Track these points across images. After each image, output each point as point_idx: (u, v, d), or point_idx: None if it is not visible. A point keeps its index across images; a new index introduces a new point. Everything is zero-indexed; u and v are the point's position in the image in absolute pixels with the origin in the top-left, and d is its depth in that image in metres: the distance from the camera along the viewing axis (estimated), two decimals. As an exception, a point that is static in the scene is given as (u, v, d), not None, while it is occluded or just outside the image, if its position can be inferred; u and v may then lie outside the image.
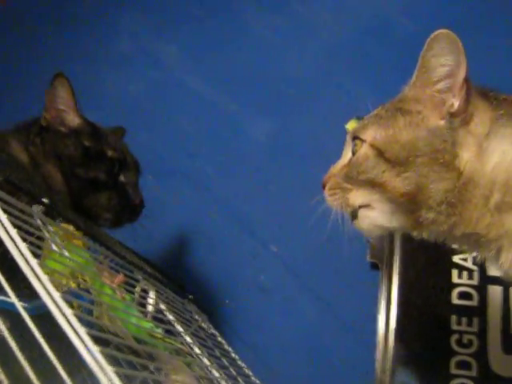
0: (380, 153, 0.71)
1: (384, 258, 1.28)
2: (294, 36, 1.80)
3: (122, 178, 1.13)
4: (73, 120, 1.11)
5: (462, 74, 0.68)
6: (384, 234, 0.78)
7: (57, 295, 0.57)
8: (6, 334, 0.54)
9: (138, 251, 1.14)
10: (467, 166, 0.67)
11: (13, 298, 0.56)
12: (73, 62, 1.88)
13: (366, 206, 0.74)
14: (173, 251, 1.56)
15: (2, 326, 0.55)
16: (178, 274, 1.40)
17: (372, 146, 0.72)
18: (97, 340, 0.56)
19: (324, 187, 0.81)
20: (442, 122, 0.69)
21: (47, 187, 1.01)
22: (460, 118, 0.69)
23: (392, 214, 0.72)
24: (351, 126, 1.47)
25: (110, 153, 1.12)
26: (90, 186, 1.07)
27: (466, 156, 0.68)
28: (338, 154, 0.88)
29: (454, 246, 0.80)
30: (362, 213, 0.75)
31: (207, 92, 1.78)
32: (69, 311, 0.56)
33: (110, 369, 0.53)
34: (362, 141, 0.74)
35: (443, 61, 0.69)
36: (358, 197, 0.74)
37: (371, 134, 0.73)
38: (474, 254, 0.75)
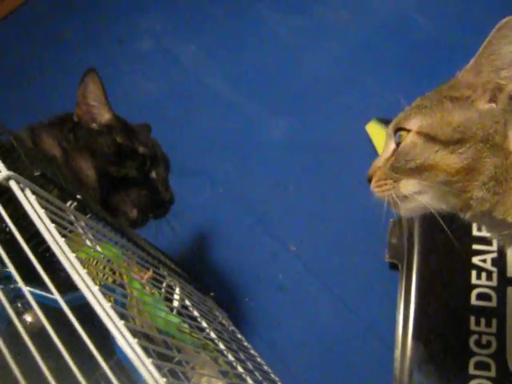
0: (430, 138, 0.73)
1: (403, 258, 1.29)
2: (313, 36, 1.81)
3: (153, 174, 1.15)
4: (104, 116, 1.12)
5: None
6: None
7: (96, 289, 0.59)
8: (49, 328, 0.55)
9: (160, 248, 1.16)
10: None
11: (55, 294, 0.58)
12: (94, 62, 1.89)
13: (418, 192, 0.76)
14: (193, 249, 1.57)
15: (44, 319, 0.56)
16: (198, 272, 1.41)
17: (419, 133, 0.75)
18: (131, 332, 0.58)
19: (369, 181, 0.83)
20: (494, 105, 0.72)
21: (78, 182, 1.03)
22: None
23: (443, 196, 0.75)
24: (371, 127, 1.48)
25: (141, 149, 1.13)
26: (121, 183, 1.09)
27: None
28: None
29: (491, 235, 0.82)
30: (412, 197, 0.76)
31: (226, 91, 1.80)
32: (107, 304, 0.57)
33: (148, 361, 0.54)
34: (407, 131, 0.76)
35: None
36: (409, 185, 0.76)
37: (416, 123, 0.76)
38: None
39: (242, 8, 1.96)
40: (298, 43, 1.82)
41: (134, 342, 0.56)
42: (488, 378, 1.13)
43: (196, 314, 0.99)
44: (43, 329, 0.57)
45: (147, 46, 1.99)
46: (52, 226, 0.64)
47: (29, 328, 0.73)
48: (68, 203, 0.79)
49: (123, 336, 0.55)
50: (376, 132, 1.45)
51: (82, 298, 0.59)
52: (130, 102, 1.86)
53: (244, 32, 1.91)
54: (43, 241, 0.64)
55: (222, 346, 0.95)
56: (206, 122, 1.78)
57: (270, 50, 1.84)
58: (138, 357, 0.55)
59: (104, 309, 0.57)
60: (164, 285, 0.95)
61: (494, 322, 1.18)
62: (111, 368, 0.83)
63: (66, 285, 0.64)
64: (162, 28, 2.01)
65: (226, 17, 1.95)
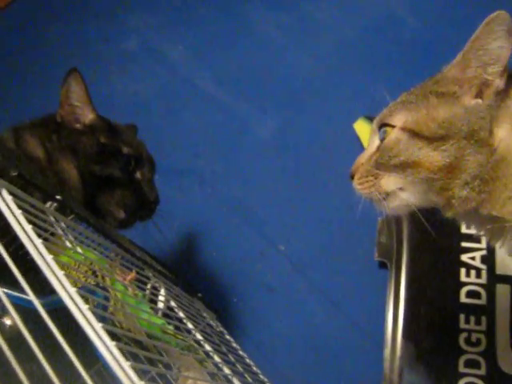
0: (414, 133, 0.72)
1: (392, 256, 1.28)
2: (302, 34, 1.81)
3: (137, 175, 1.14)
4: (87, 116, 1.11)
5: (509, 54, 0.69)
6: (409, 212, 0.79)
7: (73, 291, 0.57)
8: (24, 330, 0.54)
9: (147, 249, 1.15)
10: (501, 143, 0.69)
11: (31, 296, 0.57)
12: (80, 61, 1.88)
13: (399, 188, 0.75)
14: (181, 249, 1.56)
15: (20, 322, 0.55)
16: (186, 272, 1.40)
17: (404, 129, 0.74)
18: (111, 335, 0.57)
19: (352, 177, 0.82)
20: (480, 101, 0.71)
21: (61, 183, 1.01)
22: (500, 97, 0.71)
23: (424, 193, 0.74)
24: (359, 125, 1.47)
25: (125, 149, 1.12)
26: (106, 183, 1.07)
27: (501, 133, 0.69)
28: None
29: (476, 232, 0.81)
30: (394, 195, 0.76)
31: (214, 91, 1.79)
32: (85, 306, 0.56)
33: (126, 364, 0.53)
34: (392, 126, 0.76)
35: (501, 43, 0.69)
36: (390, 182, 0.75)
37: (401, 119, 0.75)
38: (499, 243, 0.76)
39: (230, 7, 1.95)
40: (286, 42, 1.82)
41: (111, 344, 0.54)
42: (478, 376, 1.13)
43: (181, 315, 0.98)
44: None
45: (134, 45, 1.98)
46: (29, 227, 0.63)
47: (8, 331, 0.72)
48: (48, 204, 0.78)
49: (100, 338, 0.54)
50: (364, 130, 1.45)
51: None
52: (118, 101, 1.85)
53: (232, 31, 1.90)
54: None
55: (208, 348, 0.94)
56: (194, 121, 1.77)
57: (258, 48, 1.83)
58: (116, 360, 0.53)
59: (81, 311, 0.56)
60: (149, 286, 0.93)
61: (484, 319, 1.18)
62: (99, 372, 0.82)
63: (48, 287, 0.62)
64: (149, 27, 2.00)
65: (213, 16, 1.94)
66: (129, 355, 0.58)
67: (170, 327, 0.88)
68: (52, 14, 2.14)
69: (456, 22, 1.59)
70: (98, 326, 0.55)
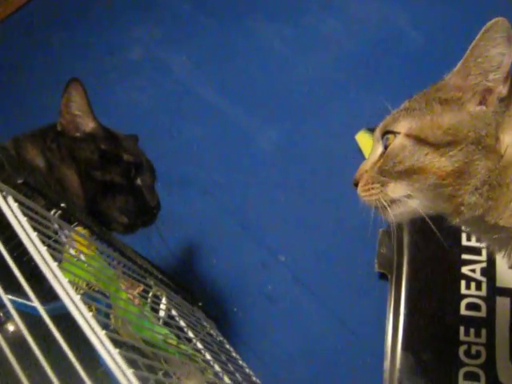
0: (419, 140, 0.72)
1: (392, 268, 1.28)
2: (304, 47, 1.82)
3: (138, 181, 1.14)
4: (88, 124, 1.12)
5: (510, 61, 0.70)
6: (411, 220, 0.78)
7: (77, 298, 0.58)
8: (28, 337, 0.54)
9: (149, 258, 1.15)
10: (508, 149, 0.69)
11: (35, 302, 0.57)
12: (83, 71, 1.90)
13: (407, 196, 0.74)
14: (182, 258, 1.57)
15: (24, 328, 0.56)
16: (187, 281, 1.40)
17: (408, 135, 0.73)
18: (114, 342, 0.57)
19: (356, 185, 0.81)
20: (485, 108, 0.71)
21: (63, 191, 1.02)
22: (504, 103, 0.71)
23: (433, 200, 0.73)
24: (361, 136, 1.48)
25: (126, 156, 1.12)
26: (107, 189, 1.08)
27: (507, 140, 0.69)
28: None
29: (483, 243, 0.80)
30: (399, 202, 0.75)
31: (216, 101, 1.80)
32: (89, 314, 0.57)
33: (129, 371, 0.53)
34: (395, 133, 0.75)
35: (501, 50, 0.69)
36: (397, 188, 0.74)
37: (405, 126, 0.74)
38: (501, 254, 0.76)
39: (234, 18, 1.96)
40: (289, 53, 1.83)
41: (115, 352, 0.55)
42: (478, 389, 1.13)
43: (182, 324, 0.98)
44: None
45: (137, 55, 1.99)
46: (34, 235, 0.64)
47: (11, 337, 0.72)
48: (52, 212, 0.78)
49: (104, 346, 0.54)
50: (366, 142, 1.45)
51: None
52: (120, 111, 1.86)
53: (235, 42, 1.91)
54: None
55: (208, 357, 0.95)
56: (197, 131, 1.78)
57: (262, 60, 1.84)
58: (119, 367, 0.54)
59: (85, 318, 0.56)
60: (150, 295, 0.94)
61: (484, 332, 1.18)
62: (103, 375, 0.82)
63: (52, 293, 0.63)
64: (153, 38, 2.01)
65: (217, 27, 1.96)
66: (128, 362, 0.59)
67: (173, 337, 0.88)
68: (55, 24, 2.16)
69: (459, 36, 1.59)
70: (102, 333, 0.56)
